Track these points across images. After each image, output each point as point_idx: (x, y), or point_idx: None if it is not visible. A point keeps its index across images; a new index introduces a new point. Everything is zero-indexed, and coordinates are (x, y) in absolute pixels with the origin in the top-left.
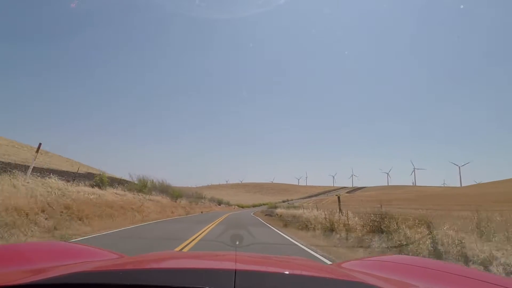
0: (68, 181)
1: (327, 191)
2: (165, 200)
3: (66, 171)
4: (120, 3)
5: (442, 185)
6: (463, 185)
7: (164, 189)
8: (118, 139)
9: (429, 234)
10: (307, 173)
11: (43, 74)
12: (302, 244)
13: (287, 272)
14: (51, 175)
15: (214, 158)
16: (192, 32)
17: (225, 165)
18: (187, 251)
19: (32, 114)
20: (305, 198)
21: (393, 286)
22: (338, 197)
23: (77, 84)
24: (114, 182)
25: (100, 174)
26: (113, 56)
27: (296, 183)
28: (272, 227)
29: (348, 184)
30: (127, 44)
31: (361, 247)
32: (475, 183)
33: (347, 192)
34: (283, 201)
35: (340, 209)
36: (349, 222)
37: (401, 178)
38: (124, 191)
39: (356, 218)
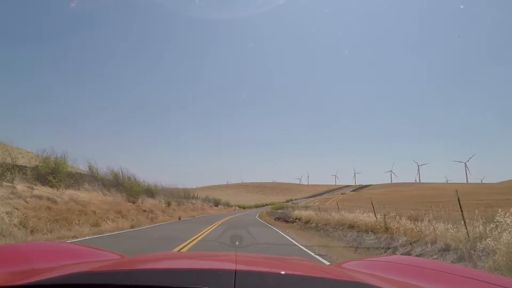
0: None
1: (331, 189)
2: (117, 198)
3: None
4: (120, 3)
5: (445, 182)
6: (466, 182)
7: (117, 181)
8: (117, 140)
9: None
10: (308, 173)
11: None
12: None
13: (287, 273)
14: None
15: (215, 159)
16: (192, 32)
17: (225, 165)
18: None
19: None
20: (309, 197)
21: (394, 286)
22: (371, 201)
23: (75, 84)
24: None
25: None
26: (110, 55)
27: (297, 182)
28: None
29: (351, 182)
30: (127, 44)
31: None
32: (480, 182)
33: (353, 191)
34: (287, 201)
35: (374, 211)
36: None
37: (403, 175)
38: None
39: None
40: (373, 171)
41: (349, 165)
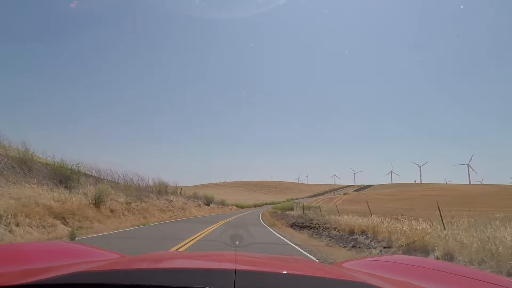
0: None
1: (332, 189)
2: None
3: None
4: (120, 3)
5: (445, 183)
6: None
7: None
8: (116, 139)
9: None
10: (307, 172)
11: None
12: None
13: (287, 272)
14: None
15: (213, 157)
16: (192, 32)
17: (223, 163)
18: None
19: None
20: (310, 197)
21: (394, 286)
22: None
23: (73, 84)
24: None
25: None
26: (110, 55)
27: (296, 181)
28: None
29: (350, 182)
30: (126, 44)
31: None
32: (479, 183)
33: (355, 191)
34: (288, 200)
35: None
36: None
37: (402, 176)
38: None
39: None
40: (373, 171)
41: (348, 165)
